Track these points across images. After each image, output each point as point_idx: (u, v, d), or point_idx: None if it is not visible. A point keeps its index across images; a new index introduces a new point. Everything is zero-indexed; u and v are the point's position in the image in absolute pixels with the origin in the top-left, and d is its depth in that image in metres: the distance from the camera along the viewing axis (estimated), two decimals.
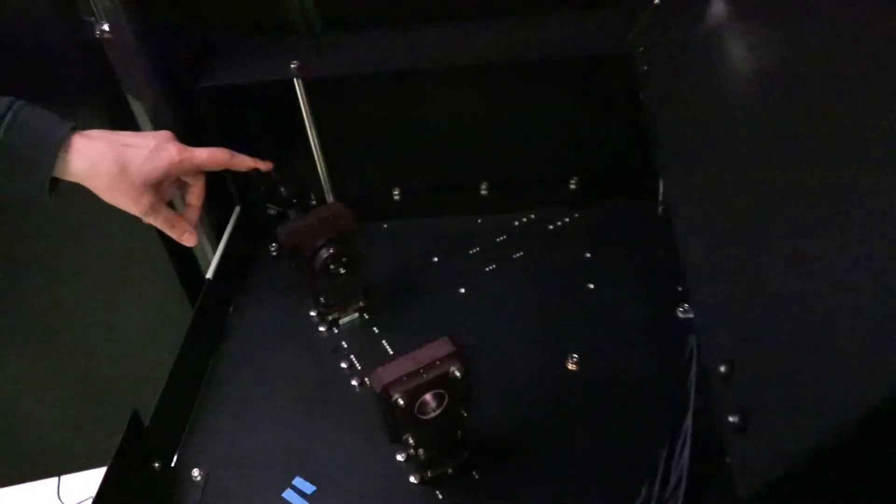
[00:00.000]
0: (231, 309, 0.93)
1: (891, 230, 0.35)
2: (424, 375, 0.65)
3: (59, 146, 0.67)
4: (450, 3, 0.94)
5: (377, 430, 0.69)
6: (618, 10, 0.88)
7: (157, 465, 0.73)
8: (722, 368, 0.46)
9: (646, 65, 0.74)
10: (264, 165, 0.83)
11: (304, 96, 0.90)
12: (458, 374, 0.65)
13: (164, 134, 0.76)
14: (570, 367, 0.80)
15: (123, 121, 0.92)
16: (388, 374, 0.65)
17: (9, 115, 0.65)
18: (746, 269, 0.48)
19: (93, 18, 0.86)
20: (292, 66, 0.87)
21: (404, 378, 0.65)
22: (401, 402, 0.64)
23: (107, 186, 0.71)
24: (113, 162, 0.70)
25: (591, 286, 0.89)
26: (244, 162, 0.81)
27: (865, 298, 0.35)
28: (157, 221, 0.75)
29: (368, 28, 0.95)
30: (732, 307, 0.48)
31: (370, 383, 0.66)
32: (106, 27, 0.87)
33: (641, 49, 0.76)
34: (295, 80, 0.88)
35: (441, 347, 0.66)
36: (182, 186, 0.81)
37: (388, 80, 0.93)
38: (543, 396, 0.78)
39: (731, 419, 0.43)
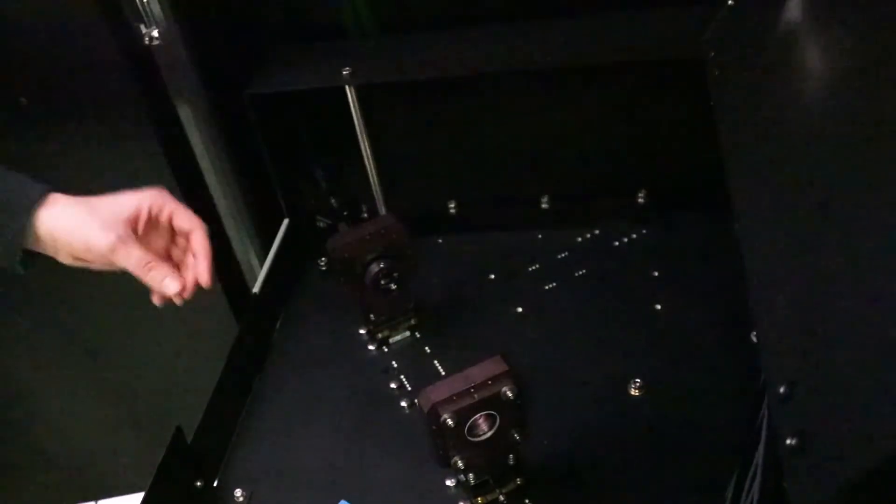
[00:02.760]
0: (278, 325, 0.98)
1: None
2: (475, 395, 0.68)
3: (31, 209, 0.67)
4: (511, 2, 0.97)
5: (426, 454, 0.73)
6: (691, 11, 0.90)
7: (199, 483, 0.78)
8: (781, 389, 0.48)
9: (717, 69, 0.77)
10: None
11: (356, 103, 0.95)
12: (510, 394, 0.68)
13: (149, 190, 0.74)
14: (633, 392, 0.82)
15: (170, 127, 0.98)
16: (437, 393, 0.68)
17: None
18: (811, 289, 0.50)
19: (142, 24, 0.93)
20: (344, 72, 0.92)
21: (454, 397, 0.68)
22: (450, 422, 0.67)
23: (74, 230, 0.68)
24: (81, 210, 0.68)
25: (659, 307, 0.91)
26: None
27: None
28: (128, 261, 0.69)
29: (424, 30, 0.99)
30: (795, 327, 0.50)
31: (419, 402, 0.69)
32: (155, 33, 0.94)
33: (713, 53, 0.79)
34: (347, 86, 0.93)
35: (493, 366, 0.69)
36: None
37: (444, 86, 0.97)
38: (603, 423, 0.80)
39: (788, 441, 0.45)
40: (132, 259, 0.69)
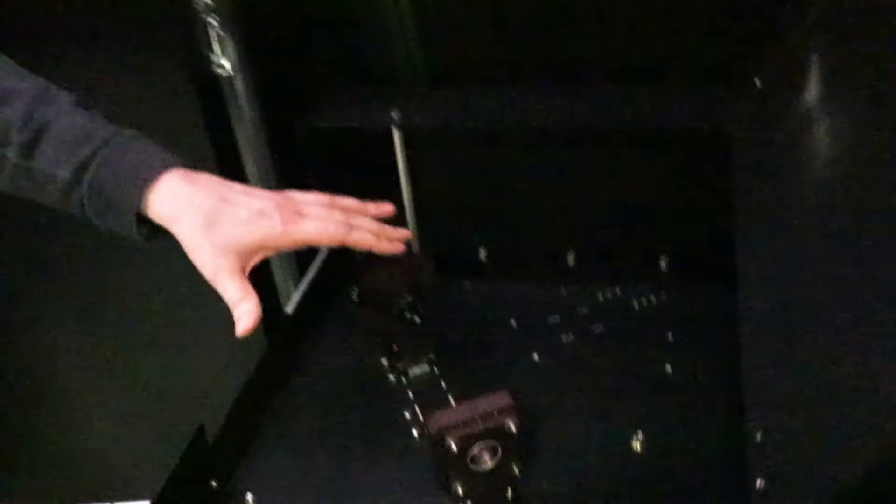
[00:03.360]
0: (306, 346, 1.03)
1: None
2: (480, 424, 0.72)
3: (145, 187, 0.65)
4: (556, 67, 1.04)
5: (430, 481, 0.77)
6: (728, 88, 0.96)
7: (214, 483, 0.83)
8: (758, 436, 0.52)
9: (738, 147, 0.82)
10: (392, 248, 0.76)
11: (401, 146, 1.02)
12: (513, 428, 0.73)
13: (279, 196, 0.71)
14: (636, 446, 0.86)
15: (227, 155, 1.05)
16: (444, 418, 0.73)
17: (104, 151, 0.65)
18: (792, 355, 0.54)
19: (213, 55, 1.01)
20: (393, 115, 0.99)
21: (460, 424, 0.72)
22: (454, 447, 0.72)
23: (188, 239, 0.66)
24: (200, 214, 0.66)
25: (669, 369, 0.95)
26: (365, 240, 0.73)
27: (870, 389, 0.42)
28: (223, 291, 0.67)
29: (472, 84, 1.06)
30: (775, 384, 0.54)
31: (426, 424, 0.74)
32: (225, 63, 1.01)
33: (738, 131, 0.84)
34: (394, 129, 1.00)
35: (499, 400, 0.74)
36: None
37: (486, 138, 1.04)
38: (604, 472, 0.83)
39: (758, 484, 0.49)
40: (227, 292, 0.67)
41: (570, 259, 1.10)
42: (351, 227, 0.72)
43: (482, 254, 1.12)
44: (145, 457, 1.25)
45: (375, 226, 0.76)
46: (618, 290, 1.08)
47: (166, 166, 0.66)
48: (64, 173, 0.65)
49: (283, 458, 0.89)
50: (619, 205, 1.06)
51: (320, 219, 0.71)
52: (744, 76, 0.88)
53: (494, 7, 1.02)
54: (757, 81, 0.85)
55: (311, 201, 0.74)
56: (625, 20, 0.98)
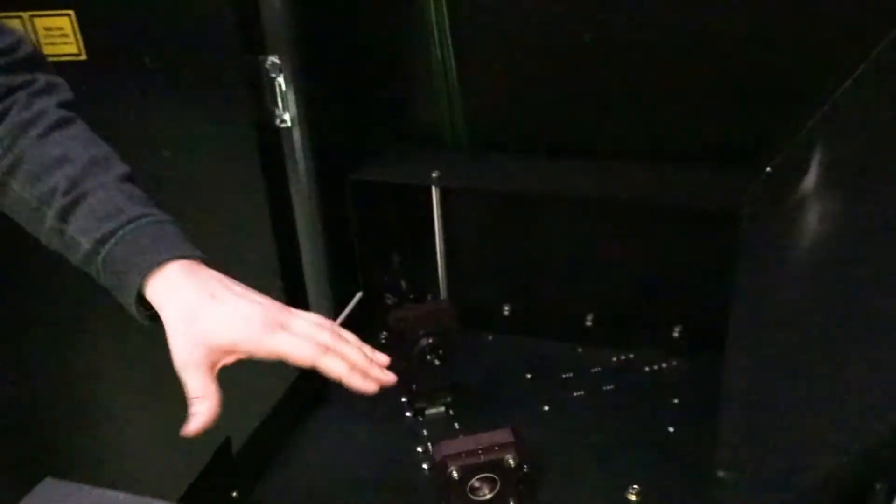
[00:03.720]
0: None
1: None
2: (482, 457, 0.79)
3: (146, 273, 0.69)
4: (586, 143, 1.12)
5: None
6: (742, 172, 1.03)
7: (234, 494, 0.90)
8: (720, 474, 0.58)
9: (746, 228, 0.89)
10: (364, 386, 0.75)
11: (438, 203, 1.11)
12: (511, 462, 0.79)
13: (273, 306, 0.74)
14: (631, 497, 0.91)
15: (279, 200, 1.15)
16: (449, 448, 0.80)
17: (123, 230, 0.70)
18: (761, 411, 0.60)
19: (276, 108, 1.11)
20: (433, 174, 1.08)
21: (463, 454, 0.79)
22: (455, 475, 0.78)
23: (168, 324, 0.70)
24: (185, 304, 0.70)
25: (671, 430, 1.00)
26: (336, 368, 0.73)
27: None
28: (186, 382, 0.70)
29: (508, 152, 1.15)
30: (744, 432, 0.60)
31: (431, 452, 0.80)
32: (287, 117, 1.12)
33: (746, 211, 0.91)
34: (432, 187, 1.09)
35: (502, 435, 0.81)
36: None
37: (516, 202, 1.12)
38: None
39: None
40: (189, 384, 0.70)
41: (589, 321, 1.16)
42: (326, 350, 0.73)
43: (506, 309, 1.19)
44: (174, 468, 1.33)
45: (359, 359, 0.75)
46: (631, 354, 1.14)
47: (172, 256, 0.70)
48: (86, 243, 0.70)
49: (302, 477, 0.96)
50: (638, 274, 1.13)
51: (298, 336, 0.72)
52: (757, 163, 0.95)
53: (533, 87, 1.11)
54: (768, 170, 0.92)
55: (303, 318, 0.75)
56: (653, 106, 1.06)
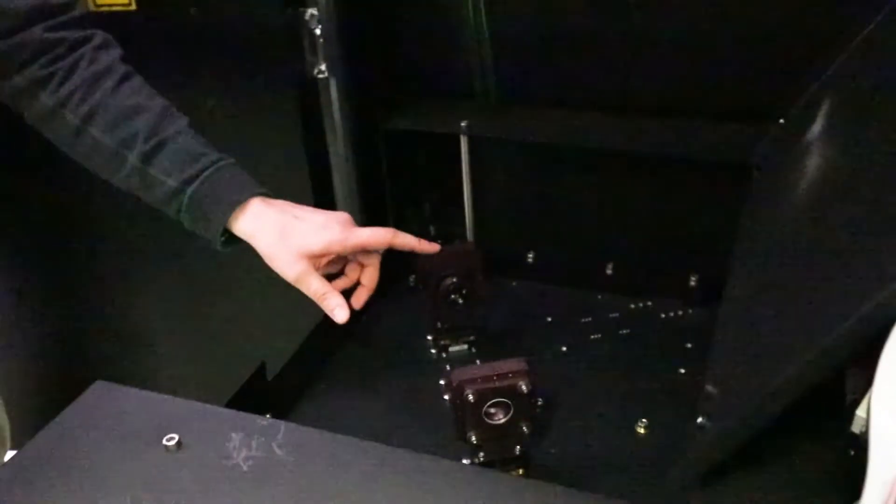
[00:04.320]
0: (364, 317, 1.18)
1: None
2: (496, 382, 0.85)
3: (234, 207, 0.82)
4: (608, 98, 1.16)
5: (453, 441, 0.89)
6: (756, 125, 1.06)
7: (268, 415, 0.97)
8: (709, 388, 0.63)
9: (756, 177, 0.93)
10: (430, 248, 0.94)
11: (466, 152, 1.16)
12: (524, 388, 0.85)
13: (340, 216, 0.88)
14: (640, 430, 0.96)
15: (316, 147, 1.21)
16: (465, 374, 0.85)
17: (207, 172, 0.82)
18: (748, 323, 0.65)
19: (314, 59, 1.17)
20: (462, 123, 1.13)
21: (478, 379, 0.85)
22: (471, 398, 0.84)
23: (266, 250, 0.83)
24: (276, 229, 0.83)
25: (683, 371, 1.05)
26: (407, 241, 0.91)
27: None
28: (307, 292, 0.85)
29: (535, 107, 1.19)
30: (730, 352, 0.66)
31: (451, 378, 0.86)
32: (323, 67, 1.17)
33: (758, 161, 0.95)
34: (461, 136, 1.14)
35: (516, 364, 0.86)
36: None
37: (540, 153, 1.17)
38: (606, 446, 0.94)
39: (700, 420, 0.60)
40: (311, 289, 0.84)
41: (609, 269, 1.21)
42: (396, 233, 0.90)
43: (529, 256, 1.25)
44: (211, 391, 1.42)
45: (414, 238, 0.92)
46: (649, 302, 1.19)
47: (252, 193, 0.84)
48: (173, 182, 0.82)
49: (332, 404, 1.03)
50: (657, 225, 1.17)
51: (371, 229, 0.89)
52: (771, 116, 0.99)
53: (561, 43, 1.15)
54: (781, 121, 0.96)
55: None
56: (673, 64, 1.10)
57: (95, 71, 0.83)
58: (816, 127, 0.83)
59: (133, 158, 0.82)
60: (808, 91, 0.93)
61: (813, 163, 0.76)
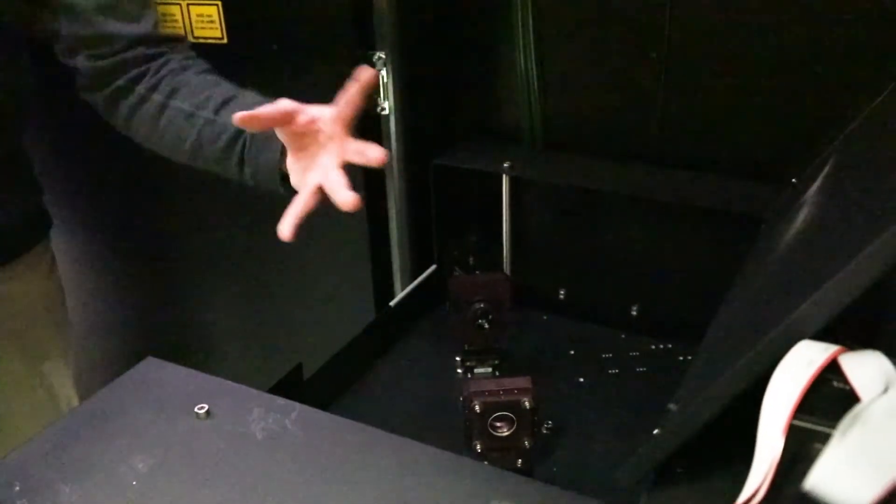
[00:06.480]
0: (401, 333, 1.27)
1: None
2: (502, 396, 0.93)
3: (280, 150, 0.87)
4: (643, 150, 1.24)
5: (461, 450, 0.96)
6: (773, 183, 1.12)
7: None
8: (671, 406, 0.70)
9: (761, 232, 0.99)
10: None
11: (507, 191, 1.25)
12: (527, 405, 0.92)
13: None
14: None
15: (374, 179, 1.31)
16: (475, 387, 0.94)
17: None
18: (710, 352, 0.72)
19: (378, 97, 1.29)
20: (505, 164, 1.23)
21: (486, 393, 0.93)
22: (477, 408, 0.92)
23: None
24: None
25: None
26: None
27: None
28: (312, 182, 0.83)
29: (576, 154, 1.28)
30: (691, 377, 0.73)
31: (462, 389, 0.95)
32: (386, 105, 1.29)
33: (768, 217, 1.01)
34: (503, 175, 1.24)
35: (522, 382, 0.94)
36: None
37: (579, 196, 1.25)
38: (608, 472, 1.01)
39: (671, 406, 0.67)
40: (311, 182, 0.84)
41: (634, 310, 1.28)
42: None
43: (561, 293, 1.33)
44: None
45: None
46: (669, 344, 1.25)
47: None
48: (235, 127, 0.84)
49: (360, 410, 1.12)
50: (682, 271, 1.23)
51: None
52: (785, 175, 1.06)
53: (605, 97, 1.24)
54: (794, 181, 1.03)
55: None
56: (701, 122, 1.18)
57: (183, 65, 0.95)
58: (814, 186, 0.89)
59: (206, 113, 0.90)
60: (820, 155, 1.00)
61: (800, 217, 0.83)
